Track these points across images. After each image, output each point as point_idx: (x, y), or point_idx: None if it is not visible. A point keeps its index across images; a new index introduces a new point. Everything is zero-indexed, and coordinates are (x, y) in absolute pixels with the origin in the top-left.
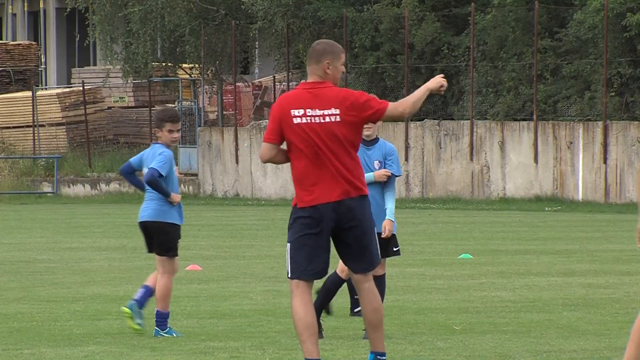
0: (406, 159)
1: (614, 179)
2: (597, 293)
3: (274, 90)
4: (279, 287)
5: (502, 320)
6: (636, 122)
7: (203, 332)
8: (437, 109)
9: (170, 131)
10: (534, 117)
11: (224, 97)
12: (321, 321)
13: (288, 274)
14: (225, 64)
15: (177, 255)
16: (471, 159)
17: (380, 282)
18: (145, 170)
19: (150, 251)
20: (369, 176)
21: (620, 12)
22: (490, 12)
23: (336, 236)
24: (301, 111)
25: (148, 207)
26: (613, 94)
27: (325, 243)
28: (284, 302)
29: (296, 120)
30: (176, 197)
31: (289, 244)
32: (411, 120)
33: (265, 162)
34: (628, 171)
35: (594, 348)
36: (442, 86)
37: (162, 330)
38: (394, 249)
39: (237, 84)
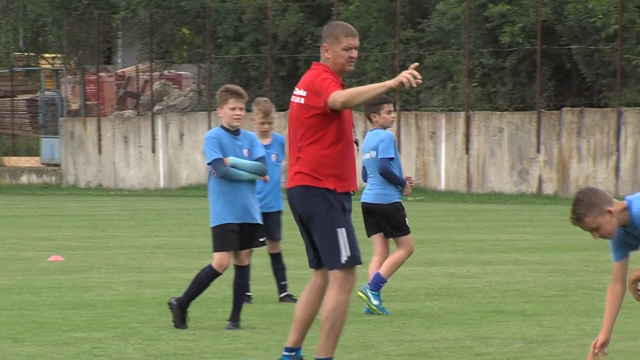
0: None
1: (476, 169)
2: (459, 282)
3: (137, 81)
4: (142, 278)
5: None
6: (498, 112)
7: (65, 323)
8: None
9: (388, 112)
10: (397, 107)
11: (86, 87)
12: (188, 311)
13: None
14: (88, 54)
15: (408, 232)
16: None
17: (243, 273)
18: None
19: (369, 235)
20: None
21: (482, 3)
22: (353, 2)
23: None
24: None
25: (370, 191)
26: (475, 84)
27: (304, 231)
28: (147, 292)
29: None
30: (408, 189)
31: None
32: (276, 110)
33: None
34: (490, 161)
35: (456, 337)
36: (405, 83)
37: (372, 291)
38: (260, 240)
39: (100, 74)
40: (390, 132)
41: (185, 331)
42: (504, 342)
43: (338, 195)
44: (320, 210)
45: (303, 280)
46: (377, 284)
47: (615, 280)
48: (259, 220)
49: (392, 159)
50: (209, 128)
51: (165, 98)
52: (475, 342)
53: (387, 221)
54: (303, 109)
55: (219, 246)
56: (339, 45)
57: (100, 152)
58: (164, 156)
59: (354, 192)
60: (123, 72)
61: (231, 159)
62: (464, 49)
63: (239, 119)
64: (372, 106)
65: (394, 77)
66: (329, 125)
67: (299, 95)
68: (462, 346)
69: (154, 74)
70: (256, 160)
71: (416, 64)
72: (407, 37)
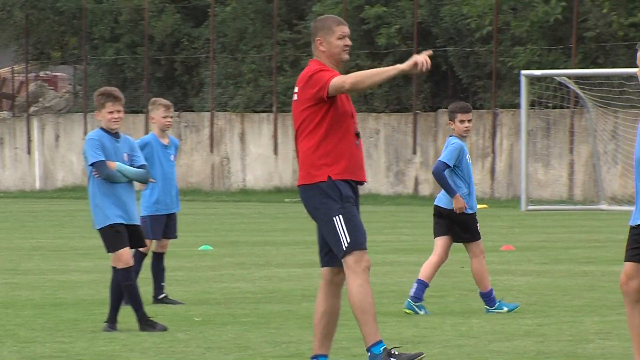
0: None
1: None
2: None
3: (13, 82)
4: (18, 280)
5: (242, 311)
6: (374, 114)
7: None
8: (177, 100)
9: (462, 121)
10: (274, 108)
11: None
12: (146, 314)
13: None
14: None
15: (479, 239)
16: (211, 151)
17: (123, 274)
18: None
19: (435, 236)
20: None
21: (359, 5)
22: (230, 3)
23: None
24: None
25: (445, 195)
26: None
27: (317, 228)
28: (22, 294)
29: None
30: (458, 202)
31: None
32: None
33: None
34: (366, 163)
35: (334, 338)
36: (419, 65)
37: (492, 307)
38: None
39: None
40: (463, 142)
41: (61, 333)
42: None
43: (333, 184)
44: (316, 205)
45: (180, 282)
46: (490, 297)
47: None
48: (138, 222)
49: (448, 166)
50: (85, 129)
51: (41, 99)
52: (352, 343)
53: (459, 226)
54: (297, 105)
55: (112, 247)
56: (333, 35)
57: None
58: (39, 158)
59: (360, 182)
60: None
61: (117, 165)
62: None
63: (117, 121)
64: (449, 113)
65: (270, 79)
66: (322, 116)
67: (294, 93)
68: (339, 347)
69: (29, 75)
70: (138, 167)
71: (430, 51)
72: (283, 38)
